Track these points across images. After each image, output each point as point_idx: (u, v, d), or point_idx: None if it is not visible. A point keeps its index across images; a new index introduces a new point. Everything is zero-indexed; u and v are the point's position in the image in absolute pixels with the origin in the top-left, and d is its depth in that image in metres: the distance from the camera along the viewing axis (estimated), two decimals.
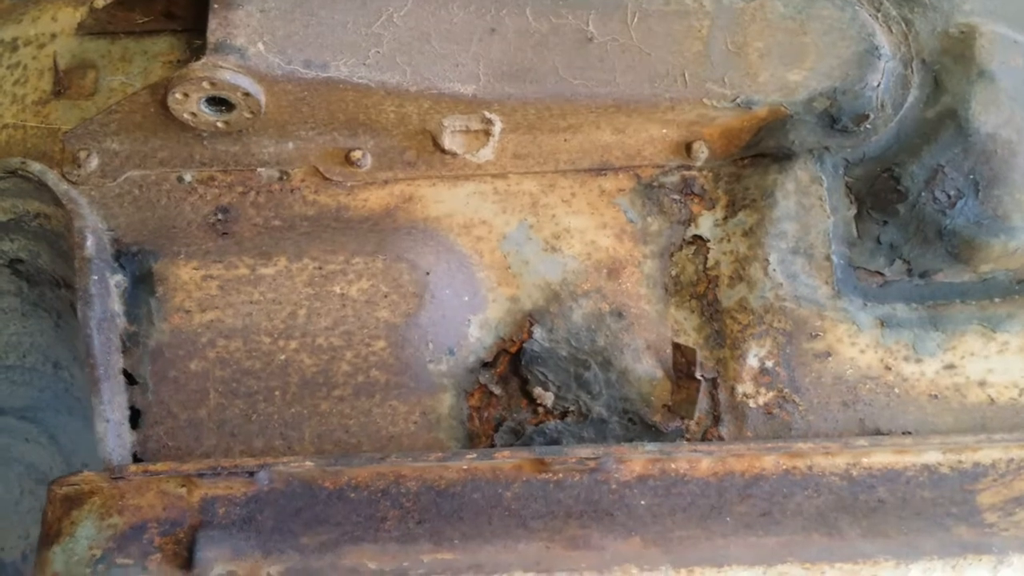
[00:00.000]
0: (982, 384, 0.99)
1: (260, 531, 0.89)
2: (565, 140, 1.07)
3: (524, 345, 1.00)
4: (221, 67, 0.95)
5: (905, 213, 1.03)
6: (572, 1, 1.08)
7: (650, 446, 0.92)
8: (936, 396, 0.99)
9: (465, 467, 0.90)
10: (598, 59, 1.05)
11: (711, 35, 1.06)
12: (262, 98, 0.99)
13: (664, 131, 1.07)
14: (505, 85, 1.03)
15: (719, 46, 1.06)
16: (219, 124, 1.00)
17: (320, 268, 0.98)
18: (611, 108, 1.04)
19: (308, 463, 0.90)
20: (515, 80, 1.03)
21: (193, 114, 0.99)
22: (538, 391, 0.99)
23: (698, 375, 0.97)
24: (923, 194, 1.03)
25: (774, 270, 1.00)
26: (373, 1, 1.02)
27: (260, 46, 0.98)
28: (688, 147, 1.08)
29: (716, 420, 0.98)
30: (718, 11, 1.07)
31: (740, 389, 0.98)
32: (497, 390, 1.00)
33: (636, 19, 1.07)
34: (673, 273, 1.04)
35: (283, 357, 0.97)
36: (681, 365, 0.98)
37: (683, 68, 1.05)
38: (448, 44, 1.02)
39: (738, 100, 1.04)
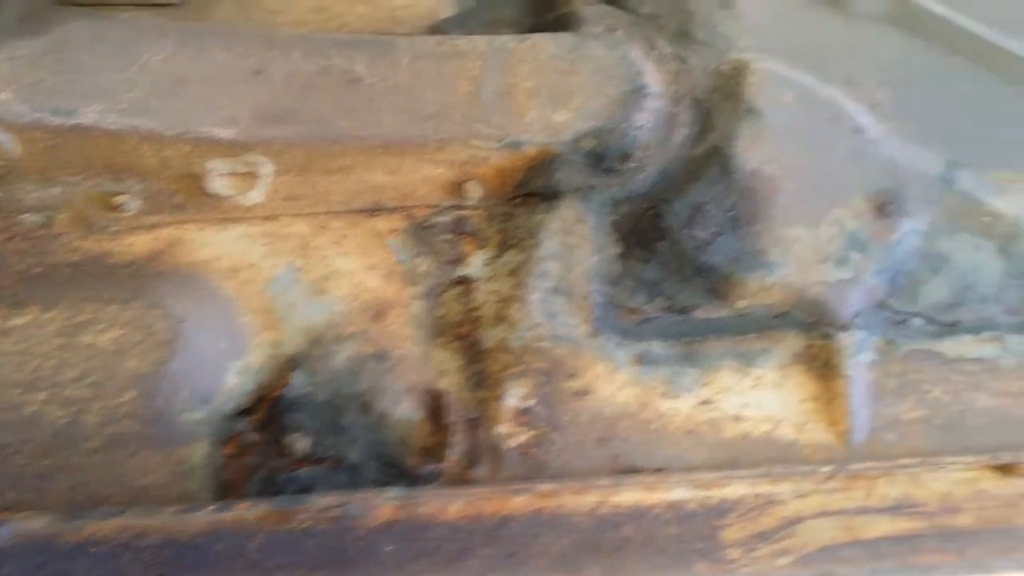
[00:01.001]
0: (737, 419, 1.01)
1: None
2: (338, 181, 1.07)
3: (283, 391, 1.00)
4: None
5: (666, 250, 1.05)
6: (344, 42, 1.08)
7: (395, 491, 0.92)
8: (691, 432, 1.00)
9: (207, 519, 0.89)
10: (366, 100, 1.05)
11: (482, 76, 1.07)
12: (12, 146, 0.97)
13: (438, 171, 1.07)
14: (269, 128, 1.03)
15: (489, 87, 1.07)
16: None
17: (71, 318, 0.97)
18: (380, 149, 1.05)
19: (47, 518, 0.89)
20: (280, 122, 1.03)
21: None
22: (293, 437, 0.99)
23: (448, 418, 0.97)
24: (684, 231, 1.05)
25: (534, 310, 1.01)
26: (130, 46, 1.02)
27: (7, 94, 0.96)
28: (462, 187, 1.08)
29: (473, 462, 0.98)
30: (490, 52, 1.08)
31: (499, 430, 0.99)
32: (254, 437, 1.00)
33: (407, 60, 1.07)
34: (439, 314, 1.04)
35: (32, 409, 0.95)
36: (434, 408, 0.98)
37: (452, 109, 1.05)
38: (208, 88, 1.02)
39: (505, 140, 1.05)
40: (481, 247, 1.07)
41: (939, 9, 1.19)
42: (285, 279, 1.05)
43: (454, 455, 0.98)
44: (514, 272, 1.04)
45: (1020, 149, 1.13)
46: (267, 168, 1.04)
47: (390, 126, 1.05)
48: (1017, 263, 1.07)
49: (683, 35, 1.15)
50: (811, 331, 1.03)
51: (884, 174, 1.09)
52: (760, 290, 1.03)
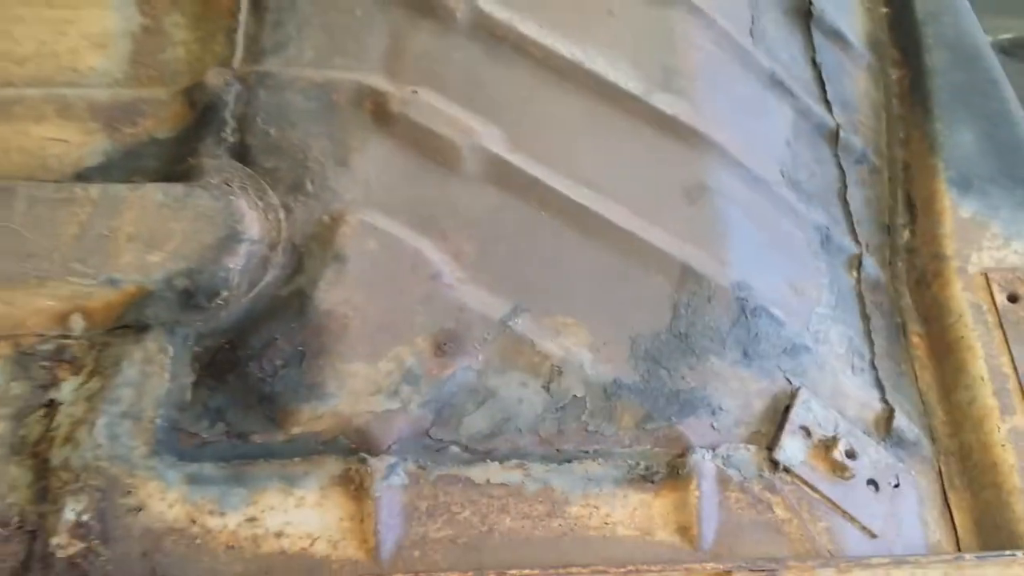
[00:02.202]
0: (278, 535, 1.12)
1: None
2: None
3: None
4: None
5: (234, 380, 1.18)
6: None
7: None
8: (233, 547, 1.11)
9: None
10: None
11: (89, 221, 1.22)
12: None
13: (48, 304, 1.21)
14: None
15: (94, 231, 1.21)
16: None
17: None
18: None
19: None
20: None
21: None
22: None
23: (4, 529, 1.08)
24: (252, 363, 1.18)
25: (98, 432, 1.13)
26: None
27: None
28: (68, 318, 1.21)
29: (26, 569, 1.08)
30: (102, 199, 1.23)
31: (54, 541, 1.09)
32: None
33: (24, 206, 1.22)
34: (22, 434, 1.15)
35: None
36: None
37: (54, 249, 1.19)
38: None
39: (100, 278, 1.18)
40: (76, 374, 1.19)
41: (533, 171, 1.36)
42: None
43: (9, 563, 1.08)
44: (91, 397, 1.16)
45: (583, 296, 1.28)
46: None
47: None
48: (557, 398, 1.21)
49: (296, 188, 1.32)
50: (350, 456, 1.15)
51: (450, 317, 1.24)
52: (312, 418, 1.16)
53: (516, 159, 1.35)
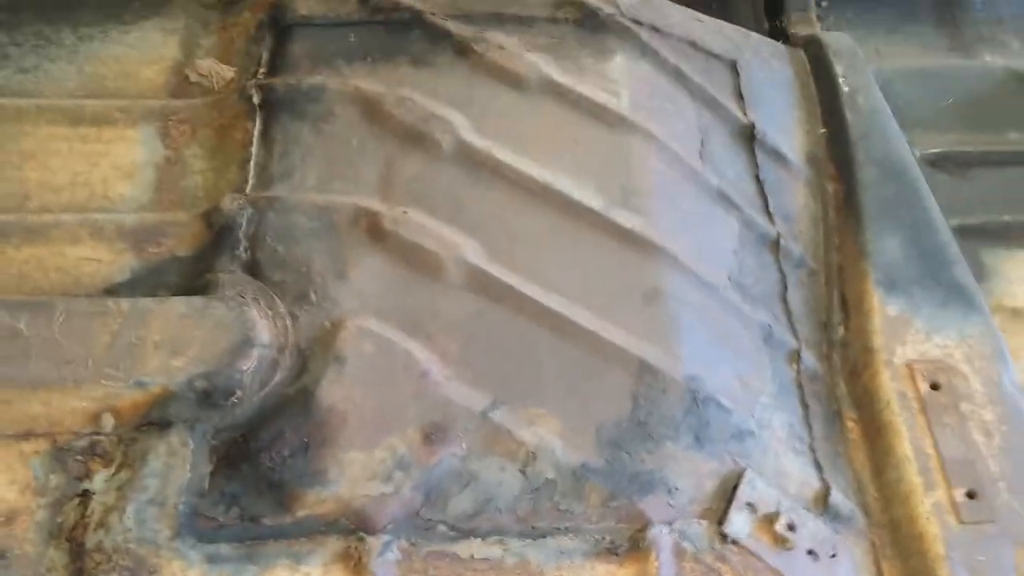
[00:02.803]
0: None
1: None
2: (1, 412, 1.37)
3: None
4: None
5: (247, 469, 1.35)
6: (13, 304, 1.41)
7: None
8: None
9: None
10: (22, 350, 1.37)
11: (120, 330, 1.40)
12: None
13: (82, 404, 1.38)
14: None
15: (124, 339, 1.39)
16: None
17: None
18: (30, 387, 1.35)
19: None
20: None
21: None
22: None
23: None
24: (263, 453, 1.35)
25: (128, 517, 1.29)
26: None
27: None
28: (100, 417, 1.39)
29: None
30: (131, 311, 1.42)
31: None
32: None
33: (62, 318, 1.40)
34: (59, 520, 1.32)
35: None
36: None
37: (88, 356, 1.37)
38: None
39: (131, 381, 1.36)
40: (107, 466, 1.36)
41: (509, 279, 1.56)
42: None
43: None
44: (121, 487, 1.32)
45: (554, 390, 1.47)
46: None
47: (37, 370, 1.36)
48: (532, 481, 1.38)
49: (301, 298, 1.51)
50: (351, 535, 1.32)
51: (437, 410, 1.42)
52: (316, 502, 1.33)
53: (494, 269, 1.55)
